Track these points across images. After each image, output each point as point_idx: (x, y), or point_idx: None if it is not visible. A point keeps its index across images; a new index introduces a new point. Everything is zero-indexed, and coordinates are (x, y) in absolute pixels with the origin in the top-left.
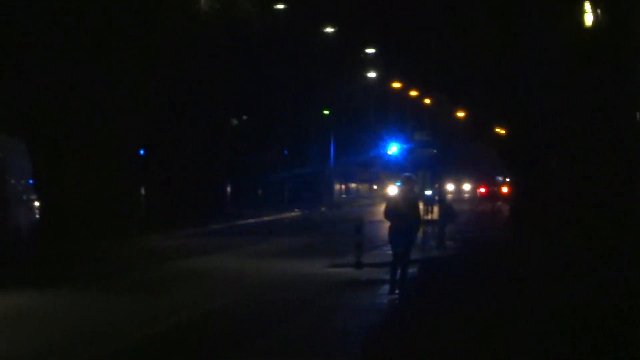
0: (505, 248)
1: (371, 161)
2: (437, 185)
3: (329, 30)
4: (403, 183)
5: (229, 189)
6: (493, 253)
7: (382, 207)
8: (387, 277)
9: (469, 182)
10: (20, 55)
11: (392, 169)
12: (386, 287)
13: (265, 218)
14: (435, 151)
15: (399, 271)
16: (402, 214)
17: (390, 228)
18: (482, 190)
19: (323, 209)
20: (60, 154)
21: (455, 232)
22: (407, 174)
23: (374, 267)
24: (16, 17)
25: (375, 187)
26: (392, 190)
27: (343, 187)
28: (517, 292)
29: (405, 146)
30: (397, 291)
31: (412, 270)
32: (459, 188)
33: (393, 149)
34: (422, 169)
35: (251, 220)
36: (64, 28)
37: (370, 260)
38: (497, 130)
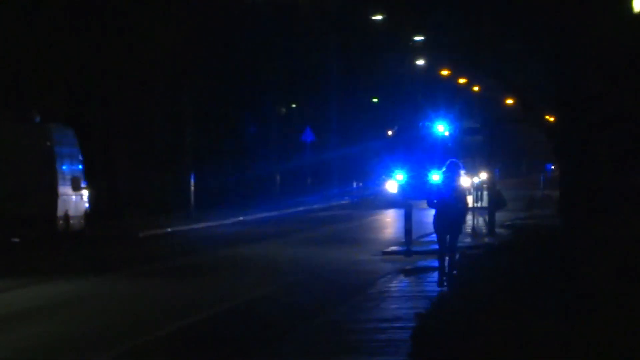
0: (558, 235)
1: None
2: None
3: (378, 17)
4: (448, 169)
5: (278, 177)
6: (545, 240)
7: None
8: (436, 264)
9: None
10: (68, 41)
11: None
12: (435, 275)
13: (315, 206)
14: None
15: (447, 260)
16: (447, 201)
17: (436, 216)
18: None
19: (371, 197)
20: (111, 141)
21: (505, 219)
22: (453, 159)
23: (424, 254)
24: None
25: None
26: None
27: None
28: (572, 282)
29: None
30: (446, 283)
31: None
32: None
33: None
34: (469, 156)
35: (300, 208)
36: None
37: (420, 247)
38: (547, 117)
